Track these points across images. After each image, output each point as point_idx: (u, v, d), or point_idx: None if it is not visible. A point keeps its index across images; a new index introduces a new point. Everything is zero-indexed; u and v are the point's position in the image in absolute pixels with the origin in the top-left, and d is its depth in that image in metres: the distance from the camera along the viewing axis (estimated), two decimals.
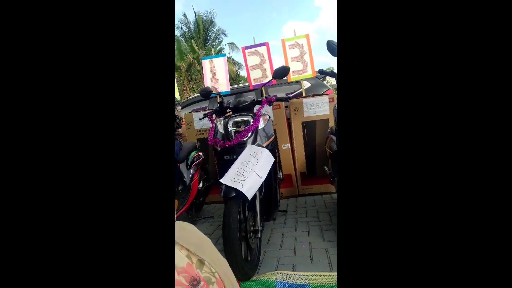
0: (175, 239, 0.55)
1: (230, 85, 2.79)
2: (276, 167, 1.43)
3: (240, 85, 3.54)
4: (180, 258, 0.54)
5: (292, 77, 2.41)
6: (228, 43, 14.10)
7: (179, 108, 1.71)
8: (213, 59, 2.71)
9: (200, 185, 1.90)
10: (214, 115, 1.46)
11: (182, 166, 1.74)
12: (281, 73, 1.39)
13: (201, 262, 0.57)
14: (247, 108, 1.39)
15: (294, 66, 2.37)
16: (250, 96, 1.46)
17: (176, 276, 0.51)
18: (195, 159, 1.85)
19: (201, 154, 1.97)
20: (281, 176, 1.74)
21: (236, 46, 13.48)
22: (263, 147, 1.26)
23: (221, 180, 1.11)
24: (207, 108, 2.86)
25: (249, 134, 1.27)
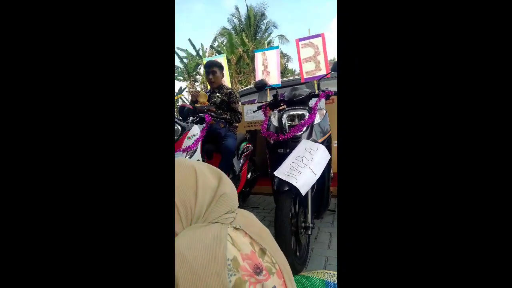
0: (239, 226, 0.57)
1: None
2: (330, 164, 1.37)
3: (289, 78, 3.48)
4: (245, 244, 0.55)
5: None
6: (278, 35, 13.87)
7: (240, 104, 1.79)
8: (266, 52, 2.71)
9: (249, 176, 1.95)
10: (267, 108, 1.46)
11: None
12: None
13: (262, 251, 0.58)
14: (302, 102, 1.35)
15: None
16: (306, 90, 1.41)
17: (241, 262, 0.53)
18: (245, 150, 1.90)
19: (250, 145, 2.01)
20: (331, 174, 1.67)
21: (286, 38, 13.23)
22: (319, 143, 1.21)
23: (274, 173, 1.11)
24: (255, 101, 2.89)
25: (304, 129, 1.24)
